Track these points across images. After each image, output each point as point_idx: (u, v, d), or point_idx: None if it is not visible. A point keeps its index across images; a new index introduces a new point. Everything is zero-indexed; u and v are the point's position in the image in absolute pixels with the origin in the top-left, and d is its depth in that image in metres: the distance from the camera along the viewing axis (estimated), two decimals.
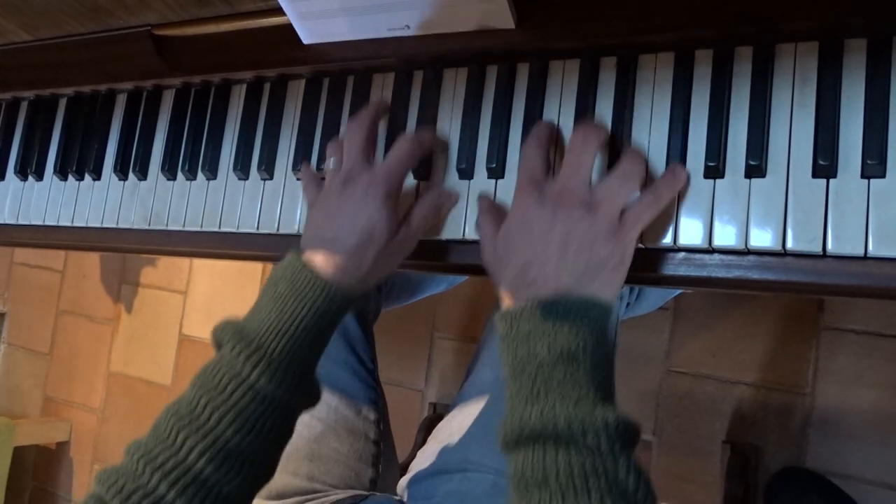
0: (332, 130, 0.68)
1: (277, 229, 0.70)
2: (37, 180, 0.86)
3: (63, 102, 0.87)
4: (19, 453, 1.93)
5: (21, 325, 2.17)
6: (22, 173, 0.87)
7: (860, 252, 0.48)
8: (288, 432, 0.56)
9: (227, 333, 0.54)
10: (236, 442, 0.50)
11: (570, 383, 0.45)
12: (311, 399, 0.57)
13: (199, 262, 1.85)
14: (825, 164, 0.49)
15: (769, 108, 0.52)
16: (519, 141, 0.59)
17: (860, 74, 0.50)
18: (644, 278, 0.55)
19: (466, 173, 0.61)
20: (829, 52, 0.51)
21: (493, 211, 0.56)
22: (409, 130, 0.65)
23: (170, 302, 1.87)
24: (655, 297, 0.87)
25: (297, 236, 0.68)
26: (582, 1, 0.57)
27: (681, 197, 0.53)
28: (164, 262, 1.91)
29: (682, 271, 0.53)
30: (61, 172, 0.84)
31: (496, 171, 0.60)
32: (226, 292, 1.80)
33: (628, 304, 0.80)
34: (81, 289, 2.06)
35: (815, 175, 0.50)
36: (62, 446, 2.03)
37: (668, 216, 0.53)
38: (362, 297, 0.59)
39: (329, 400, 0.78)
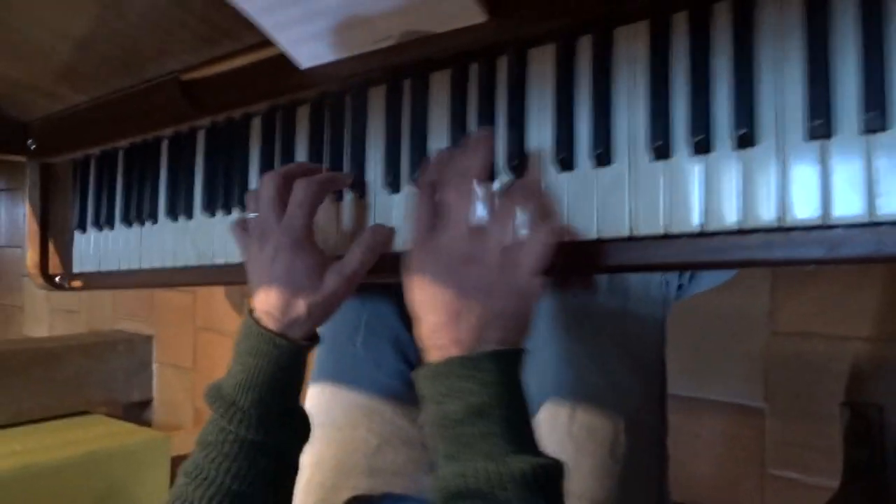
0: (337, 151, 0.69)
1: None
2: (109, 230, 0.94)
3: (121, 155, 0.94)
4: (178, 463, 2.12)
5: (166, 345, 2.37)
6: (97, 225, 0.95)
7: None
8: (288, 471, 0.61)
9: (210, 395, 0.60)
10: (237, 487, 0.56)
11: (484, 439, 0.46)
12: (298, 436, 0.62)
13: None
14: (820, 124, 0.43)
15: (754, 68, 0.46)
16: (505, 139, 0.57)
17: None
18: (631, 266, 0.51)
19: None
20: None
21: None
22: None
23: None
24: (715, 274, 0.81)
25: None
26: None
27: (669, 179, 0.49)
28: None
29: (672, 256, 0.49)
30: (126, 220, 0.91)
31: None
32: None
33: (680, 286, 0.74)
34: (212, 306, 2.22)
35: (810, 137, 0.44)
36: None
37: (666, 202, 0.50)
38: (315, 338, 0.63)
39: (383, 412, 0.79)
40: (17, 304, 3.01)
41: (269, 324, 0.59)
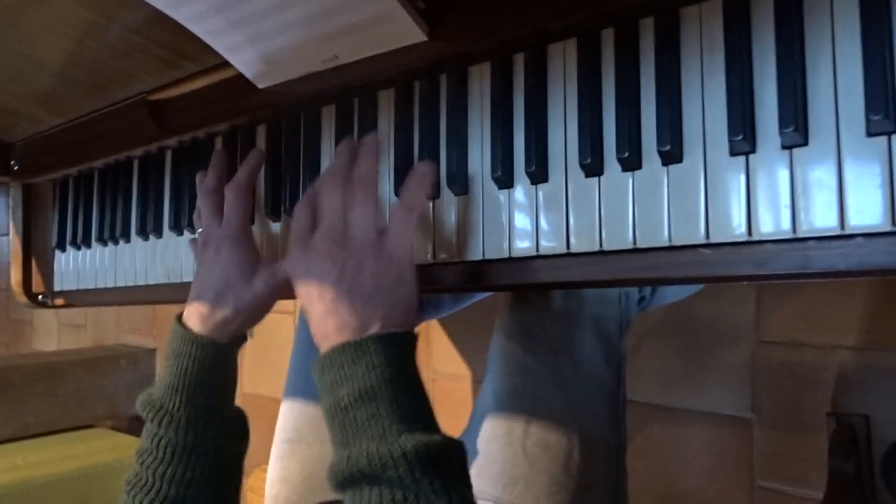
0: (293, 171, 0.69)
1: None
2: (87, 248, 0.95)
3: (96, 175, 0.95)
4: None
5: None
6: (74, 244, 0.96)
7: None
8: (228, 473, 0.61)
9: (141, 403, 0.60)
10: (174, 492, 0.57)
11: (372, 421, 0.46)
12: (235, 438, 0.62)
13: None
14: (740, 139, 0.43)
15: (679, 84, 0.46)
16: (446, 155, 0.57)
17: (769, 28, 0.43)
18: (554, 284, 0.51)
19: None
20: (734, 7, 0.44)
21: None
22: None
23: (282, 323, 1.98)
24: (679, 287, 0.80)
25: None
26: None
27: (603, 196, 0.49)
28: None
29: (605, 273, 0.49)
30: (101, 239, 0.91)
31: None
32: None
33: (642, 298, 0.74)
34: None
35: (732, 153, 0.44)
36: None
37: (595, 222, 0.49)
38: (241, 338, 0.64)
39: None
40: (27, 318, 3.05)
41: (196, 325, 0.60)
